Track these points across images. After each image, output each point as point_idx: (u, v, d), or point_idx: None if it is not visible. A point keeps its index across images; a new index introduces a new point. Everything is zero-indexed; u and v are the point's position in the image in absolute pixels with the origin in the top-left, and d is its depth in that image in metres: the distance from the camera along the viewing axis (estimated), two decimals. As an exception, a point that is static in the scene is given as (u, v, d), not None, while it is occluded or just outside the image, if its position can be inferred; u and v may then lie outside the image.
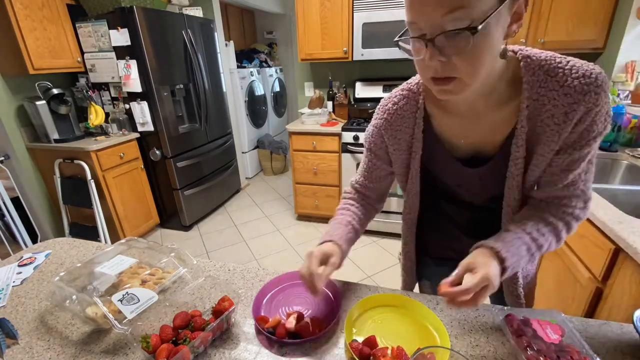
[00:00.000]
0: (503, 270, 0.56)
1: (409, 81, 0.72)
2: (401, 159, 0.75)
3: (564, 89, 0.54)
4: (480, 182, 0.70)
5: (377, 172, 0.81)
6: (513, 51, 0.60)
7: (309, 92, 3.18)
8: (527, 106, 0.58)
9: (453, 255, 0.71)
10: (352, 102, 2.93)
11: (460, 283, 0.54)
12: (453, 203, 0.79)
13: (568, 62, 0.55)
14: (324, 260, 0.67)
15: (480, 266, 0.55)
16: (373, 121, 0.77)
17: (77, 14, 2.40)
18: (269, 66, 4.44)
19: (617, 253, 0.98)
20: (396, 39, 0.54)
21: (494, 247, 0.57)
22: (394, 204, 2.56)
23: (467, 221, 0.79)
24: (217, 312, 0.66)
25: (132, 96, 2.53)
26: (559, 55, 0.57)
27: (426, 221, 0.85)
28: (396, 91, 0.73)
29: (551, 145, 0.59)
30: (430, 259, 0.91)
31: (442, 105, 0.68)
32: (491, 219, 0.72)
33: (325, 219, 3.00)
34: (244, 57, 4.16)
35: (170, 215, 2.95)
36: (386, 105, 0.73)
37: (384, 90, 2.80)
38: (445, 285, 0.56)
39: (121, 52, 2.40)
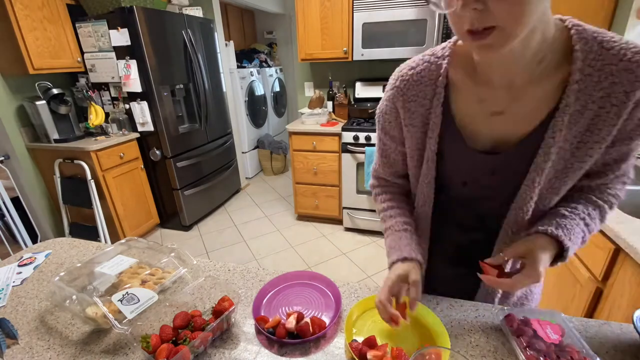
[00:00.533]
0: (557, 257, 0.53)
1: (434, 47, 0.62)
2: (415, 138, 0.64)
3: (624, 63, 0.47)
4: (492, 177, 0.59)
5: (393, 156, 0.71)
6: (560, 19, 0.52)
7: (309, 92, 3.18)
8: (578, 81, 0.49)
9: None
10: (352, 102, 2.93)
11: (501, 265, 0.53)
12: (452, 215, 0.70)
13: (620, 38, 0.48)
14: (403, 282, 0.60)
15: (534, 259, 0.51)
16: (385, 94, 0.66)
17: (77, 14, 2.40)
18: (269, 66, 4.44)
19: (617, 253, 0.98)
20: None
21: (558, 236, 0.52)
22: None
23: (457, 241, 0.71)
24: (217, 312, 0.66)
25: (132, 96, 2.53)
26: (608, 31, 0.50)
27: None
28: (417, 57, 0.62)
29: (605, 131, 0.50)
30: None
31: (470, 73, 0.57)
32: (485, 237, 0.66)
33: (325, 219, 3.00)
34: (244, 57, 4.16)
35: (170, 215, 2.95)
36: (402, 71, 0.63)
37: (384, 91, 2.80)
38: (490, 269, 0.54)
39: (121, 52, 2.40)
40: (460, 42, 0.60)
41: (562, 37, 0.51)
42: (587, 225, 0.56)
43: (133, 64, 2.40)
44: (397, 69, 0.65)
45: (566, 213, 0.56)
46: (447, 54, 0.60)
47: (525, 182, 0.57)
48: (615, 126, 0.49)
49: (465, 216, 0.69)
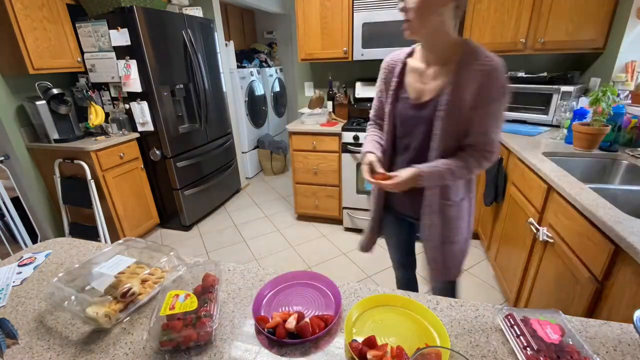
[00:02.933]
0: (420, 175, 0.95)
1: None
2: (386, 92, 1.11)
3: (482, 58, 0.89)
4: (416, 119, 1.01)
5: (379, 105, 1.19)
6: (464, 39, 0.94)
7: (309, 92, 3.18)
8: (458, 69, 0.91)
9: (410, 213, 1.16)
10: (352, 102, 2.93)
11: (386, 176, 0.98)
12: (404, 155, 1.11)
13: (484, 51, 0.91)
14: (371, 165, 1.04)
15: (398, 173, 0.97)
16: (382, 65, 1.14)
17: (77, 13, 2.40)
18: (269, 66, 4.44)
19: (617, 253, 0.98)
20: None
21: (418, 167, 0.96)
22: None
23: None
24: (204, 287, 0.73)
25: (132, 96, 2.53)
26: (485, 50, 0.91)
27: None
28: (399, 50, 1.11)
29: (465, 101, 0.91)
30: (393, 216, 1.25)
31: (418, 58, 1.04)
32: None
33: (325, 219, 3.00)
34: (244, 57, 4.16)
35: (170, 215, 2.95)
36: (388, 57, 1.13)
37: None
38: (379, 177, 0.98)
39: (121, 52, 2.40)
40: (418, 45, 1.06)
41: (458, 45, 0.94)
42: (447, 165, 0.96)
43: (133, 64, 2.40)
44: (387, 56, 1.13)
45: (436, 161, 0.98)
46: (409, 50, 1.08)
47: (432, 130, 0.98)
48: (469, 98, 0.91)
49: (406, 149, 1.10)
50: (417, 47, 1.05)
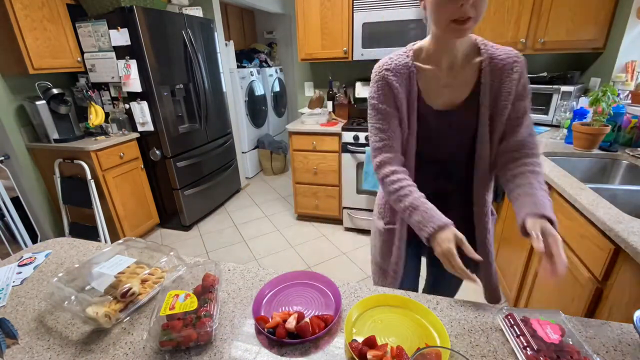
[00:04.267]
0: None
1: (397, 51, 0.90)
2: (403, 107, 0.86)
3: (504, 50, 0.83)
4: (450, 130, 0.86)
5: (392, 127, 0.87)
6: (470, 36, 0.83)
7: (309, 92, 3.18)
8: (486, 67, 0.81)
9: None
10: (352, 102, 2.93)
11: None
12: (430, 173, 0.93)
13: (494, 45, 0.84)
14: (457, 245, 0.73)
15: (548, 229, 0.70)
16: (373, 82, 0.89)
17: (77, 13, 2.40)
18: (269, 66, 4.44)
19: (617, 253, 0.98)
20: None
21: (545, 214, 0.72)
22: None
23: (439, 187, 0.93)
24: (205, 286, 0.73)
25: (132, 96, 2.53)
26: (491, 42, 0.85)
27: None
28: (388, 56, 0.89)
29: (509, 94, 0.81)
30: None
31: (428, 58, 0.86)
32: (460, 181, 0.92)
33: (325, 219, 3.00)
34: (244, 57, 4.16)
35: (170, 215, 2.95)
36: (385, 66, 0.86)
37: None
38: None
39: (121, 52, 2.40)
40: (415, 46, 0.88)
41: (472, 42, 0.84)
42: (544, 189, 0.79)
43: (133, 63, 2.40)
44: (377, 64, 0.89)
45: (527, 190, 0.79)
46: (410, 53, 0.87)
47: (478, 136, 0.84)
48: (515, 89, 0.81)
49: (439, 173, 0.92)
50: (415, 48, 0.88)
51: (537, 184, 0.80)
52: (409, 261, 1.02)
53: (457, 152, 0.89)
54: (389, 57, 0.88)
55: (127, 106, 2.58)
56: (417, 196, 0.81)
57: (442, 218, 0.75)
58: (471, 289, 2.07)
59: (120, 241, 0.93)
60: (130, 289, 0.73)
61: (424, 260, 1.20)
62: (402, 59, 0.86)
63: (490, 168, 0.89)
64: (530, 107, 0.84)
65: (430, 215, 0.76)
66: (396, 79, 0.85)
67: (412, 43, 0.89)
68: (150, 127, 2.60)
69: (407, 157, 0.89)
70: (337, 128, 2.55)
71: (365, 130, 2.44)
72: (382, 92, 0.87)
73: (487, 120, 0.83)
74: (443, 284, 1.20)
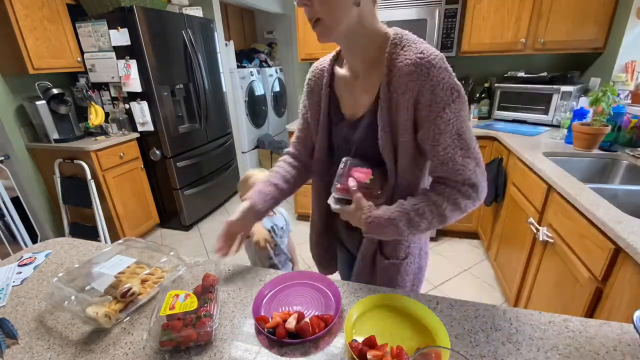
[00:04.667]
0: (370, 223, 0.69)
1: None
2: (315, 113, 0.84)
3: (415, 51, 0.64)
4: (358, 143, 0.77)
5: (304, 133, 0.92)
6: (395, 30, 0.69)
7: (309, 92, 3.18)
8: (388, 71, 0.66)
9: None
10: (352, 102, 2.93)
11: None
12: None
13: (416, 43, 0.65)
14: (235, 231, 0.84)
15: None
16: (304, 92, 0.90)
17: (77, 13, 2.40)
18: (269, 66, 4.44)
19: (617, 253, 0.98)
20: None
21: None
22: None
23: None
24: (205, 286, 0.73)
25: (132, 96, 2.53)
26: (420, 40, 0.67)
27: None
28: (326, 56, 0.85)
29: (405, 113, 0.66)
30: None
31: (342, 64, 0.80)
32: None
33: (325, 219, 2.99)
34: (243, 57, 4.15)
35: (170, 215, 2.95)
36: (313, 67, 0.87)
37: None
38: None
39: (121, 52, 2.40)
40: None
41: (382, 43, 0.69)
42: (406, 213, 0.68)
43: (133, 63, 2.40)
44: (313, 64, 0.87)
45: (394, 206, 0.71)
46: (333, 55, 0.83)
47: (380, 147, 0.72)
48: (410, 108, 0.65)
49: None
50: (339, 49, 0.82)
51: (411, 205, 0.68)
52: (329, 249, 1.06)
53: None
54: (320, 59, 0.86)
55: (127, 106, 2.58)
56: (265, 175, 0.92)
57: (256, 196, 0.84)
58: (472, 289, 2.08)
59: (120, 241, 0.93)
60: (130, 288, 0.73)
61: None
62: (323, 63, 0.83)
63: (411, 188, 0.75)
64: (450, 133, 0.64)
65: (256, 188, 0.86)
66: (315, 83, 0.84)
67: None
68: (150, 127, 2.60)
69: (322, 166, 0.88)
70: (337, 128, 2.55)
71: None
72: (305, 96, 0.88)
73: (388, 137, 0.69)
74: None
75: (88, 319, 0.67)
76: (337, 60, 0.83)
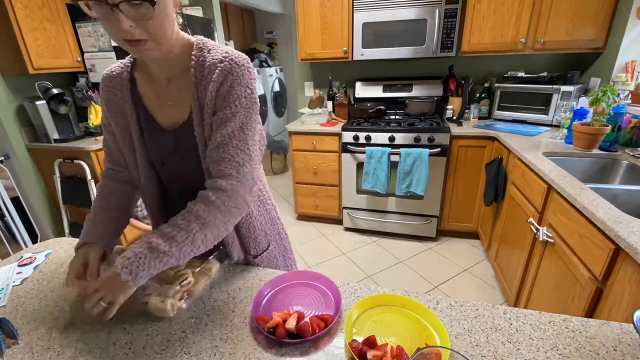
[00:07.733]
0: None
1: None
2: (121, 126, 0.78)
3: (219, 52, 0.69)
4: (175, 154, 0.76)
5: (114, 146, 0.83)
6: (199, 38, 0.72)
7: (309, 92, 3.18)
8: (196, 75, 0.69)
9: None
10: (352, 102, 2.93)
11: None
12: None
13: (220, 46, 0.70)
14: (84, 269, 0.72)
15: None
16: (102, 105, 0.81)
17: (77, 13, 2.40)
18: (269, 66, 4.44)
19: (617, 253, 0.98)
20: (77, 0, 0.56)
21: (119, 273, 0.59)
22: (391, 203, 2.56)
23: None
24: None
25: (132, 96, 2.53)
26: (223, 44, 0.71)
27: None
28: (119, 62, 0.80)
29: (211, 105, 0.68)
30: None
31: (145, 70, 0.76)
32: None
33: (325, 219, 3.00)
34: (244, 57, 4.15)
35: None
36: (104, 75, 0.79)
37: (384, 91, 2.80)
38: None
39: (121, 52, 2.40)
40: None
41: (189, 49, 0.72)
42: (150, 247, 0.62)
43: (133, 63, 2.40)
44: (103, 74, 0.79)
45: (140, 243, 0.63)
46: (131, 59, 0.78)
47: (200, 155, 0.73)
48: (211, 102, 0.68)
49: (179, 190, 0.83)
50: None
51: (155, 236, 0.63)
52: None
53: (201, 181, 0.72)
54: (112, 67, 0.78)
55: (127, 106, 2.58)
56: (96, 206, 0.82)
57: (91, 233, 0.78)
58: (472, 289, 2.08)
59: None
60: (187, 278, 0.75)
61: None
62: (119, 69, 0.77)
63: None
64: (242, 118, 0.68)
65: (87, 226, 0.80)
66: (113, 91, 0.76)
67: None
68: (150, 127, 2.59)
69: (146, 188, 0.81)
70: (337, 128, 2.55)
71: (365, 130, 2.44)
72: (103, 105, 0.79)
73: (200, 130, 0.71)
74: None
75: (158, 309, 0.69)
76: (134, 66, 0.77)
